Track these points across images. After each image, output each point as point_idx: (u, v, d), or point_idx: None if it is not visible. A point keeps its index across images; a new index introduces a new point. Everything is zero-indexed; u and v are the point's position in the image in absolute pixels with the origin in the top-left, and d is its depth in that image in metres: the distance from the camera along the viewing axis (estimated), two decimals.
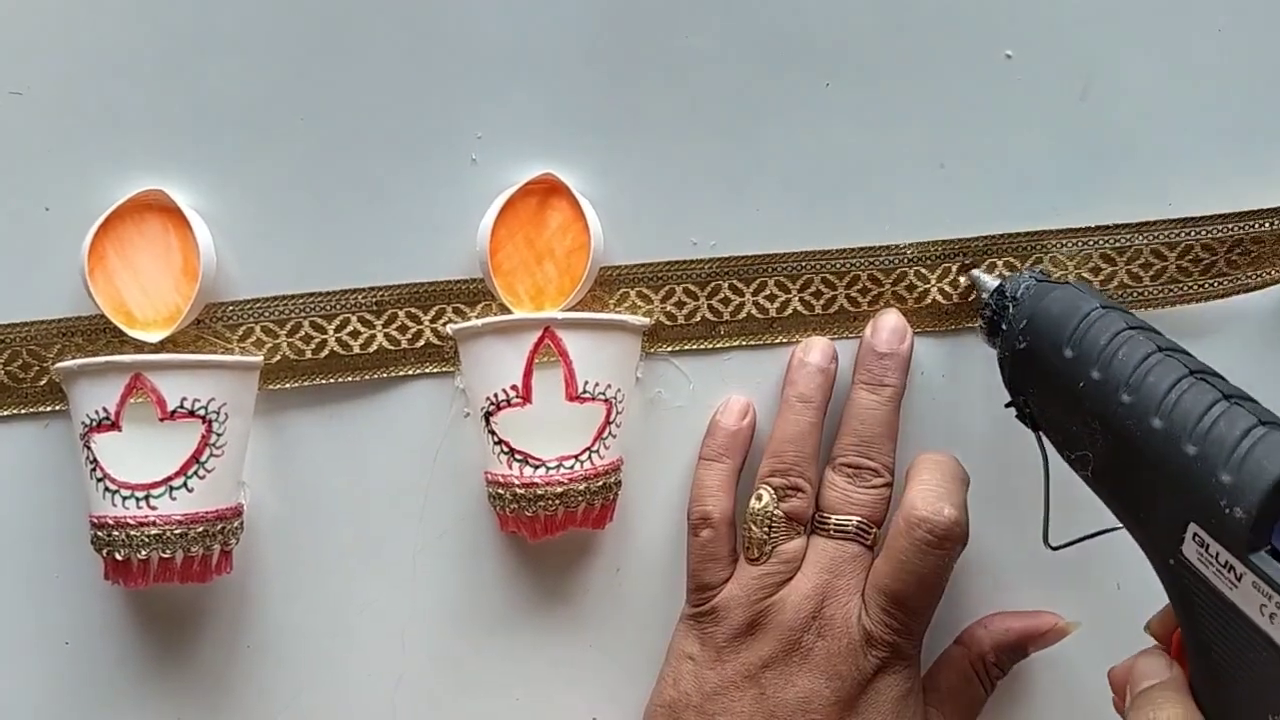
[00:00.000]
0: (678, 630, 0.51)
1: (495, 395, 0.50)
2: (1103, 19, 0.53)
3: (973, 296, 0.53)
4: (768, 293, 0.53)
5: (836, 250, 0.53)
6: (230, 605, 0.53)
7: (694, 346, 0.53)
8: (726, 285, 0.53)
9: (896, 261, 0.53)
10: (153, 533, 0.48)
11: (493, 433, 0.50)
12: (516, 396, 0.50)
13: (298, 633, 0.53)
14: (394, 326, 0.53)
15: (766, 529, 0.50)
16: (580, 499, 0.50)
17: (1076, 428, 0.44)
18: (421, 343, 0.53)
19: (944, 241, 0.53)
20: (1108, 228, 0.53)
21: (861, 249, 0.53)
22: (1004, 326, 0.48)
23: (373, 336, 0.53)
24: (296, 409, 0.53)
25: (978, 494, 0.50)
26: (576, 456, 0.50)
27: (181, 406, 0.48)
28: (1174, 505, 0.40)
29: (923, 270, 0.53)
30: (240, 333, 0.52)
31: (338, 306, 0.52)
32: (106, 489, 0.48)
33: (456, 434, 0.53)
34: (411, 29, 0.52)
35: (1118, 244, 0.53)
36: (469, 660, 0.54)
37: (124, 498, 0.48)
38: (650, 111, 0.53)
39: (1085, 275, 0.53)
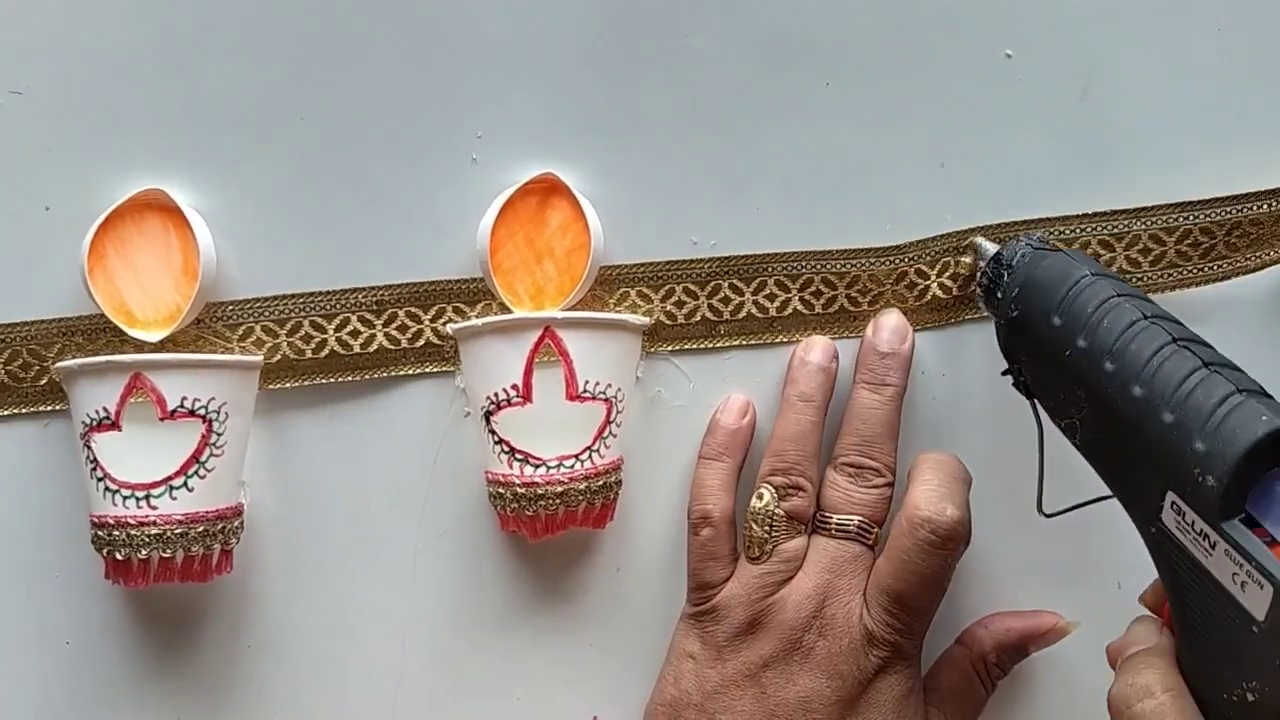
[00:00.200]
0: (678, 629, 0.51)
1: (495, 395, 0.50)
2: (1103, 19, 0.53)
3: (972, 287, 0.53)
4: (768, 292, 0.53)
5: (837, 250, 0.53)
6: (230, 605, 0.53)
7: (694, 346, 0.53)
8: (726, 285, 0.53)
9: (897, 261, 0.53)
10: (153, 532, 0.48)
11: (493, 432, 0.50)
12: (517, 396, 0.50)
13: (298, 632, 0.53)
14: (394, 326, 0.53)
15: (767, 528, 0.50)
16: (581, 498, 0.50)
17: (1065, 396, 0.44)
18: (422, 342, 0.53)
19: (943, 235, 0.53)
20: (1106, 214, 0.53)
21: (862, 249, 0.53)
22: (999, 294, 0.48)
23: (373, 336, 0.53)
24: (297, 408, 0.53)
25: (978, 494, 0.50)
26: (577, 456, 0.50)
27: (182, 406, 0.48)
28: (1152, 474, 0.40)
29: (922, 267, 0.53)
30: (240, 332, 0.52)
31: (338, 306, 0.52)
32: (107, 488, 0.48)
33: (457, 433, 0.53)
34: (411, 29, 0.52)
35: (1116, 230, 0.53)
36: (469, 660, 0.54)
37: (124, 497, 0.48)
38: (650, 111, 0.53)
39: None
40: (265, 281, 0.52)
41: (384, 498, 0.53)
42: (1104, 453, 0.43)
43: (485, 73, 0.52)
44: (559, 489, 0.50)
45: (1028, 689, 0.54)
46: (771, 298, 0.53)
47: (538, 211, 0.52)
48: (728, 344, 0.53)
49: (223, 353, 0.52)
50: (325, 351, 0.52)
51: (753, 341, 0.53)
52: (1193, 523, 0.39)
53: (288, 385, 0.53)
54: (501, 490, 0.50)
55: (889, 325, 0.52)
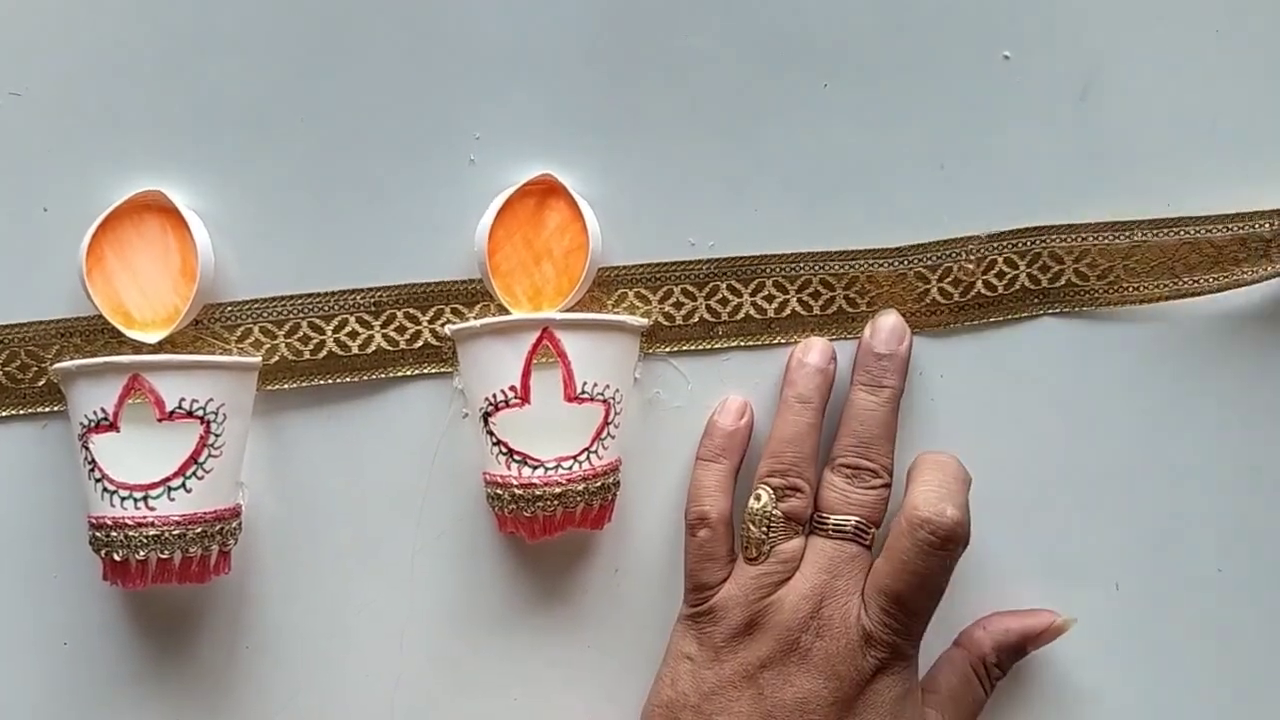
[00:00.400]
0: (675, 630, 0.51)
1: (494, 396, 0.50)
2: (1102, 20, 0.53)
3: (972, 294, 0.53)
4: (766, 293, 0.53)
5: (835, 251, 0.53)
6: (228, 606, 0.53)
7: (692, 347, 0.53)
8: (725, 286, 0.53)
9: (897, 264, 0.53)
10: (151, 533, 0.48)
11: (491, 433, 0.50)
12: (515, 397, 0.50)
13: (296, 633, 0.53)
14: (392, 327, 0.53)
15: (765, 529, 0.50)
16: (579, 499, 0.50)
17: None
18: (420, 343, 0.53)
19: (944, 242, 0.53)
20: (1106, 224, 0.52)
21: (861, 250, 0.53)
22: None
23: (371, 337, 0.53)
24: (295, 410, 0.53)
25: (976, 494, 0.50)
26: (575, 457, 0.50)
27: (180, 407, 0.48)
28: None
29: (922, 270, 0.53)
30: (238, 333, 0.52)
31: (336, 307, 0.52)
32: (105, 490, 0.48)
33: (455, 435, 0.53)
34: (411, 29, 0.52)
35: (1114, 240, 0.52)
36: (467, 660, 0.54)
37: (122, 498, 0.48)
38: (649, 112, 0.53)
39: (1082, 270, 0.53)
40: (263, 283, 0.52)
41: (382, 499, 0.53)
42: None
43: (483, 74, 0.52)
44: (557, 490, 0.50)
45: (1025, 690, 0.54)
46: (770, 299, 0.53)
47: (536, 213, 0.52)
48: (726, 345, 0.53)
49: (221, 354, 0.52)
50: (323, 353, 0.52)
51: (751, 343, 0.53)
52: None
53: (286, 386, 0.53)
54: (499, 491, 0.50)
55: (886, 326, 0.52)
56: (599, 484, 0.50)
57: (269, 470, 0.53)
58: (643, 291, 0.53)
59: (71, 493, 0.52)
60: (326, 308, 0.52)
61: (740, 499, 0.51)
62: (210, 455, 0.49)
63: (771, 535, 0.50)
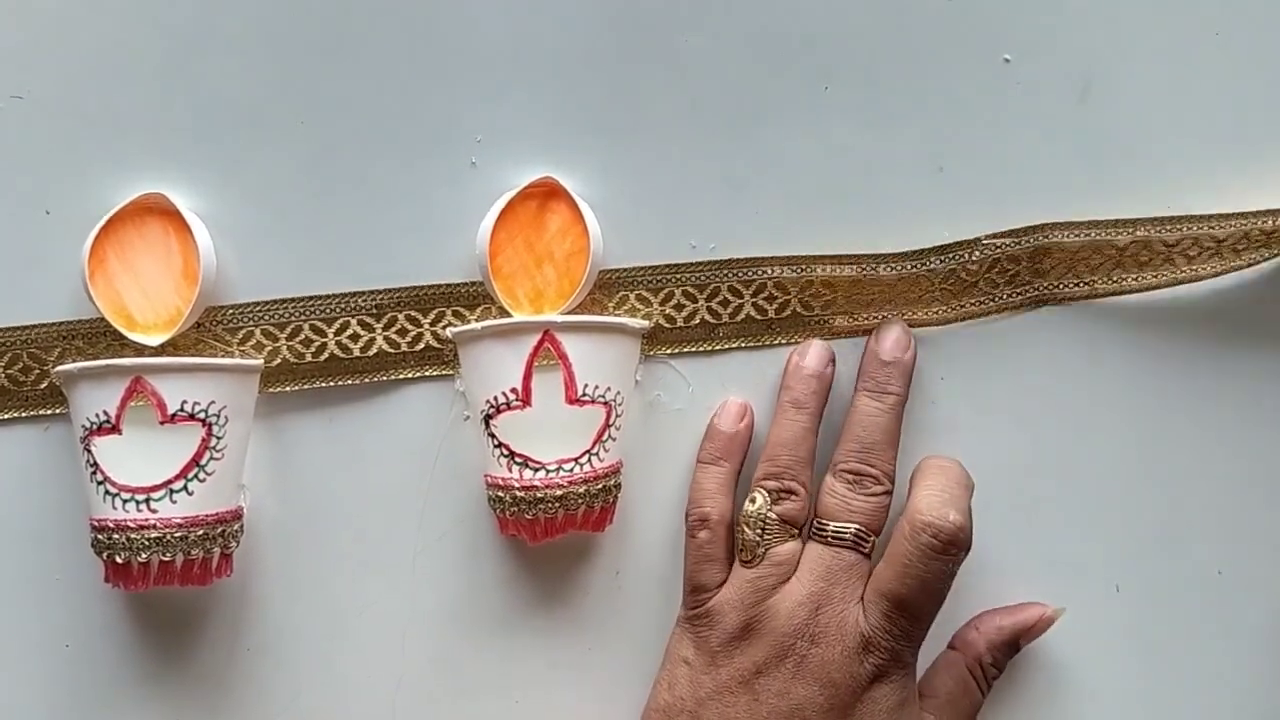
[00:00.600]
0: (674, 633, 0.51)
1: (495, 398, 0.50)
2: (1101, 23, 0.53)
3: (974, 292, 0.53)
4: (767, 294, 0.53)
5: (838, 256, 0.53)
6: (230, 608, 0.53)
7: (693, 349, 0.53)
8: (725, 287, 0.53)
9: (897, 265, 0.53)
10: (153, 536, 0.48)
11: (492, 435, 0.50)
12: (516, 399, 0.50)
13: (297, 635, 0.53)
14: (394, 330, 0.53)
15: (759, 531, 0.50)
16: (580, 502, 0.50)
17: None
18: (421, 346, 0.53)
19: (946, 246, 0.53)
20: (1106, 222, 0.52)
21: (861, 255, 0.53)
22: None
23: (372, 339, 0.53)
24: (296, 412, 0.53)
25: (976, 496, 0.50)
26: (576, 459, 0.50)
27: (182, 409, 0.48)
28: None
29: (924, 271, 0.53)
30: (240, 336, 0.52)
31: (337, 310, 0.52)
32: (107, 492, 0.48)
33: (456, 437, 0.53)
34: (411, 31, 0.52)
35: (1112, 236, 0.52)
36: (469, 662, 0.54)
37: (124, 501, 0.48)
38: (650, 114, 0.53)
39: (1082, 268, 0.53)
40: (265, 285, 0.52)
41: (383, 501, 0.53)
42: None
43: (485, 76, 0.52)
44: (558, 492, 0.50)
45: (1025, 690, 0.54)
46: (771, 300, 0.53)
47: (537, 215, 0.52)
48: (727, 346, 0.53)
49: (223, 356, 0.52)
50: (325, 355, 0.52)
51: (752, 344, 0.53)
52: None
53: (288, 389, 0.53)
54: (501, 493, 0.50)
55: (892, 335, 0.52)
56: (600, 486, 0.50)
57: (271, 472, 0.53)
58: (644, 294, 0.53)
59: (73, 495, 0.52)
60: (328, 310, 0.52)
61: (741, 501, 0.51)
62: (212, 458, 0.49)
63: (766, 538, 0.50)
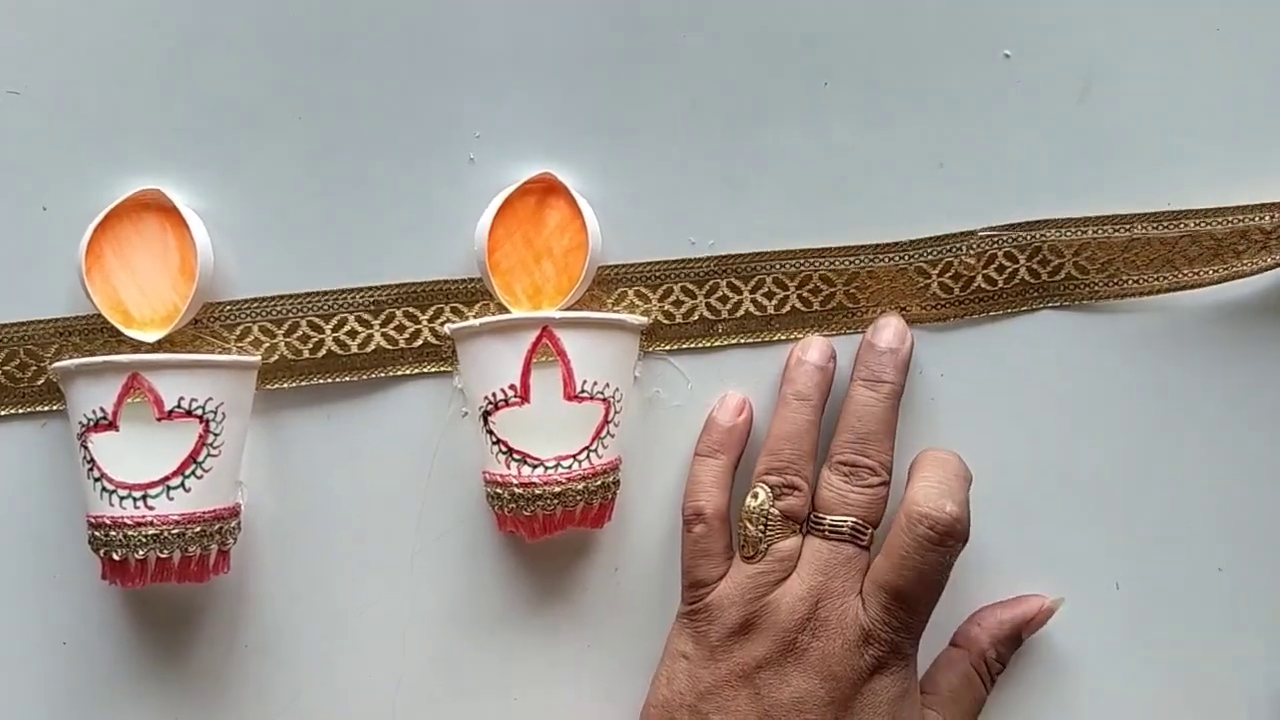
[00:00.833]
0: (673, 629, 0.51)
1: (493, 395, 0.50)
2: (1102, 19, 0.53)
3: (972, 289, 0.53)
4: (766, 290, 0.53)
5: (835, 247, 0.53)
6: (228, 605, 0.53)
7: (692, 345, 0.53)
8: (725, 283, 0.53)
9: (896, 259, 0.53)
10: (150, 533, 0.48)
11: (491, 432, 0.50)
12: (515, 396, 0.50)
13: (296, 633, 0.53)
14: (392, 326, 0.53)
15: (762, 527, 0.50)
16: (578, 498, 0.50)
17: None
18: (419, 342, 0.53)
19: (944, 237, 0.53)
20: (1107, 218, 0.53)
21: (861, 246, 0.53)
22: None
23: (370, 336, 0.53)
24: (294, 409, 0.53)
25: (975, 492, 0.50)
26: (575, 456, 0.50)
27: (179, 406, 0.48)
28: None
29: (923, 265, 0.53)
30: (238, 332, 0.52)
31: (335, 306, 0.52)
32: (104, 489, 0.48)
33: (454, 434, 0.53)
34: (410, 29, 0.52)
35: (1113, 233, 0.52)
36: (468, 660, 0.54)
37: (121, 498, 0.48)
38: (649, 111, 0.53)
39: (1082, 263, 0.53)
40: (263, 282, 0.52)
41: (382, 498, 0.53)
42: None
43: (483, 72, 0.52)
44: (557, 489, 0.49)
45: (1026, 689, 0.54)
46: (770, 295, 0.53)
47: (536, 211, 0.52)
48: (726, 343, 0.53)
49: (220, 353, 0.52)
50: (323, 352, 0.52)
51: (751, 340, 0.53)
52: None
53: (285, 385, 0.52)
54: (499, 490, 0.50)
55: (888, 327, 0.52)
56: (599, 483, 0.50)
57: (268, 469, 0.53)
58: (642, 290, 0.53)
59: (70, 492, 0.52)
60: (326, 307, 0.52)
61: (739, 497, 0.51)
62: (209, 454, 0.49)
63: (768, 534, 0.50)
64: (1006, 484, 0.53)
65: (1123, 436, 0.53)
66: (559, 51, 0.52)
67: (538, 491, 0.49)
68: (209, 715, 0.53)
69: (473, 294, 0.53)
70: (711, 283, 0.53)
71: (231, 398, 0.49)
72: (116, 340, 0.51)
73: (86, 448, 0.48)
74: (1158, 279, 0.53)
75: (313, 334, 0.52)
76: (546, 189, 0.52)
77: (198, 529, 0.49)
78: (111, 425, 0.48)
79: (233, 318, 0.52)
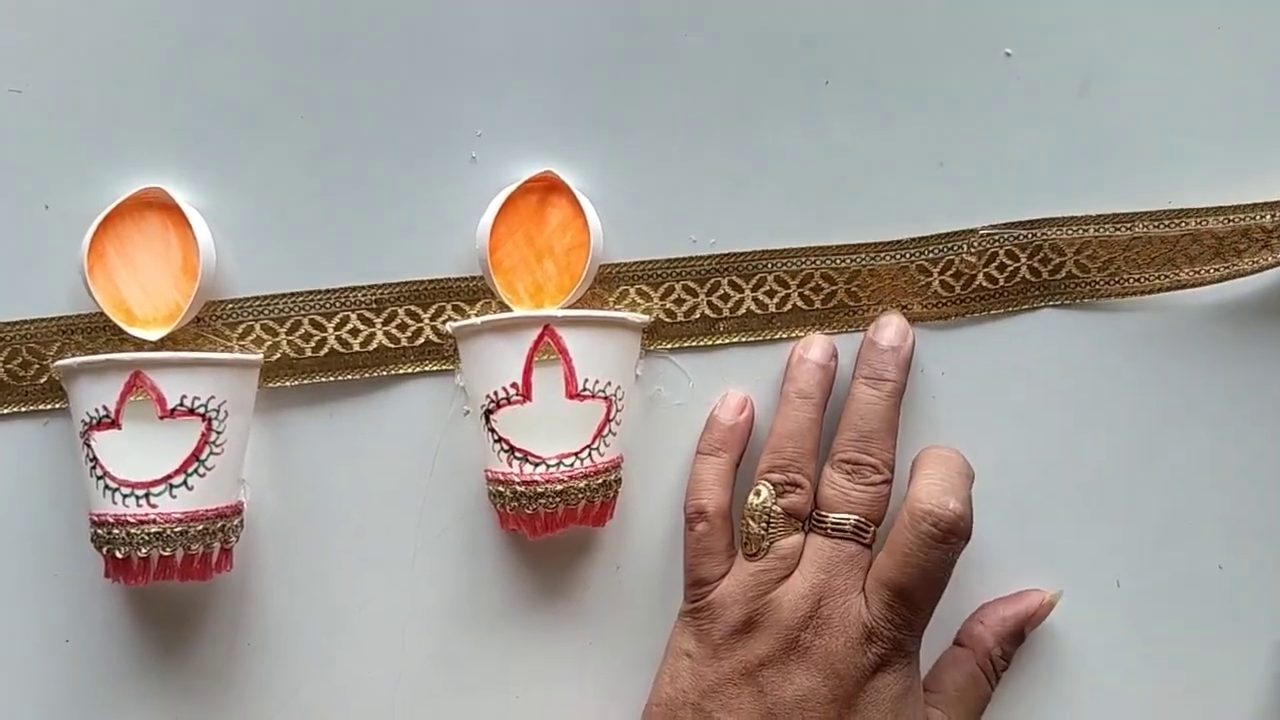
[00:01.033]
0: (675, 627, 0.51)
1: (495, 393, 0.50)
2: (1102, 18, 0.53)
3: (973, 287, 0.53)
4: (767, 288, 0.53)
5: (836, 246, 0.53)
6: (230, 603, 0.53)
7: (693, 343, 0.53)
8: (726, 282, 0.53)
9: (898, 257, 0.53)
10: (153, 530, 0.48)
11: (492, 430, 0.50)
12: (516, 394, 0.50)
13: (297, 630, 0.53)
14: (394, 324, 0.53)
15: (764, 525, 0.50)
16: (580, 496, 0.50)
17: None
18: (421, 340, 0.53)
19: (945, 235, 0.53)
20: (1107, 216, 0.53)
21: (862, 244, 0.53)
22: None
23: (372, 334, 0.53)
24: (296, 407, 0.53)
25: (976, 490, 0.50)
26: (576, 454, 0.50)
27: (181, 404, 0.48)
28: None
29: (924, 263, 0.53)
30: (240, 330, 0.52)
31: (337, 304, 0.52)
32: (106, 487, 0.48)
33: (456, 432, 0.53)
34: (411, 28, 0.52)
35: (1114, 231, 0.53)
36: (469, 658, 0.54)
37: (124, 496, 0.48)
38: (650, 109, 0.53)
39: (1083, 261, 0.53)
40: (265, 280, 0.52)
41: (383, 496, 0.53)
42: None
43: (485, 71, 0.52)
44: (558, 487, 0.50)
45: (1026, 688, 0.54)
46: (771, 294, 0.53)
47: (537, 210, 0.52)
48: (727, 341, 0.53)
49: (222, 351, 0.52)
50: (325, 350, 0.52)
51: (752, 338, 0.53)
52: None
53: (287, 384, 0.53)
54: (501, 488, 0.50)
55: (890, 325, 0.52)
56: (600, 481, 0.50)
57: (270, 467, 0.53)
58: (644, 288, 0.53)
59: (73, 490, 0.52)
60: (328, 305, 0.52)
61: (740, 495, 0.51)
62: (212, 452, 0.49)
63: (771, 531, 0.50)
64: (1007, 482, 0.53)
65: (1124, 435, 0.53)
66: (560, 51, 0.53)
67: (539, 490, 0.49)
68: (211, 713, 0.53)
69: (474, 292, 0.53)
70: (713, 281, 0.53)
71: (234, 396, 0.50)
72: (119, 338, 0.51)
73: (89, 446, 0.49)
74: (1159, 277, 0.53)
75: (315, 332, 0.52)
76: (548, 187, 0.52)
77: (200, 527, 0.49)
78: (114, 423, 0.48)
79: (235, 316, 0.52)
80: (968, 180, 0.53)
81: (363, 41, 0.52)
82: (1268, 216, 0.52)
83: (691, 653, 0.50)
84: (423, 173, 0.52)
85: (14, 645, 0.53)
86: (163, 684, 0.53)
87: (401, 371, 0.53)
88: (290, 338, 0.52)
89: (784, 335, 0.53)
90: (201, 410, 0.49)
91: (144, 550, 0.48)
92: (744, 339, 0.53)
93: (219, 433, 0.49)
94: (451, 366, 0.53)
